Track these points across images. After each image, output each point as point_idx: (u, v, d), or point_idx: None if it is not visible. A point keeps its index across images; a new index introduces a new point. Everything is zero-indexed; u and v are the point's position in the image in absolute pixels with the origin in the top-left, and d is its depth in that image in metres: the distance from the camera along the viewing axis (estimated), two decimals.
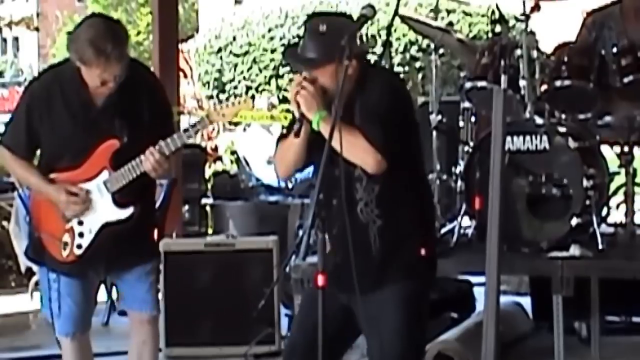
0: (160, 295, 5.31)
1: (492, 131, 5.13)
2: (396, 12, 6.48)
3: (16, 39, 45.80)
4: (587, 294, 5.65)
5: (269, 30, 20.73)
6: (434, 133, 6.35)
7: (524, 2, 6.00)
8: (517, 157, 5.73)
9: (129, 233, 4.70)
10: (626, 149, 6.10)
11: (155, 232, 4.99)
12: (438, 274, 4.26)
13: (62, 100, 4.67)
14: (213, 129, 12.90)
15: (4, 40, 44.69)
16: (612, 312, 6.45)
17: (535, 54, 6.00)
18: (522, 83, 5.98)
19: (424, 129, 4.78)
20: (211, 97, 20.74)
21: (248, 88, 20.59)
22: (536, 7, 5.97)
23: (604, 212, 6.07)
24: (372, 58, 4.72)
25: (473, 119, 6.41)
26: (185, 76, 15.94)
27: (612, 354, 5.98)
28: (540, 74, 5.99)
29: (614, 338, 6.24)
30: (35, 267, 6.32)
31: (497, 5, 6.24)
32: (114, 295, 7.37)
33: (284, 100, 15.39)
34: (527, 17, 5.96)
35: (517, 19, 6.21)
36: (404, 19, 6.69)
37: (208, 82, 21.11)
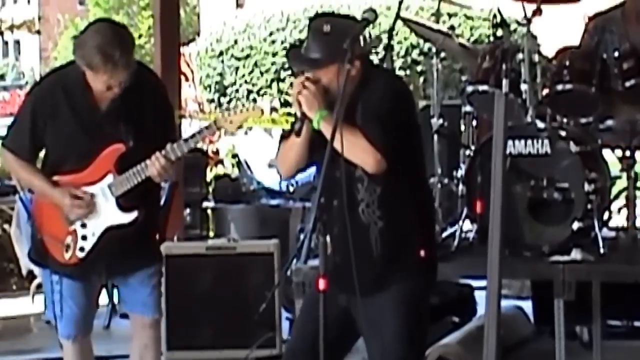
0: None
1: (493, 135, 5.11)
2: (398, 15, 6.48)
3: (18, 42, 45.87)
4: (589, 298, 5.63)
5: (271, 34, 20.73)
6: (435, 137, 6.35)
7: (524, 6, 6.00)
8: (518, 161, 5.71)
9: (132, 236, 4.71)
10: (628, 153, 6.09)
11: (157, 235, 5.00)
12: (439, 277, 4.25)
13: (66, 103, 4.67)
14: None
15: (6, 43, 44.74)
16: (614, 316, 6.43)
17: (536, 58, 6.00)
18: (524, 87, 5.97)
19: (425, 133, 4.76)
20: (212, 100, 20.76)
21: (249, 91, 20.61)
22: (538, 11, 5.95)
23: (606, 216, 6.06)
24: (374, 59, 4.72)
25: (474, 122, 6.40)
26: (187, 79, 15.93)
27: (614, 358, 5.96)
28: (541, 78, 5.99)
29: (615, 342, 6.22)
30: (37, 270, 6.32)
31: (498, 9, 6.24)
32: (116, 298, 7.36)
33: (286, 103, 15.38)
34: (529, 21, 5.94)
35: (518, 23, 6.19)
36: (405, 22, 6.70)
37: (209, 86, 21.13)
